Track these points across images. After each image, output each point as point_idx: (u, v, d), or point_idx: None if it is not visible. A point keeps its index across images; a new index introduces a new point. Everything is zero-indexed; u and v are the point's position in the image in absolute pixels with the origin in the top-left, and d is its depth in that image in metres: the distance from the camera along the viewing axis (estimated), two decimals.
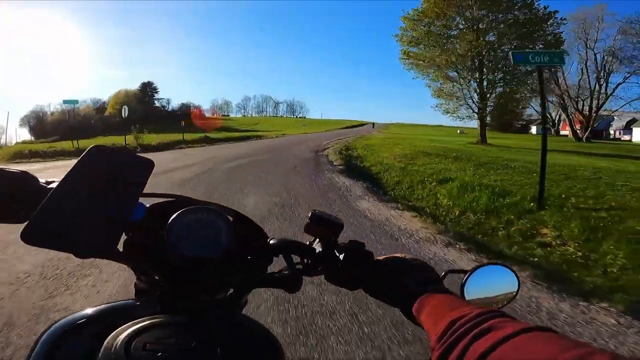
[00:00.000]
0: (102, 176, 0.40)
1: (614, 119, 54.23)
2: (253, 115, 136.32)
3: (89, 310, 0.47)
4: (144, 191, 0.47)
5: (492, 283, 0.53)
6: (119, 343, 0.38)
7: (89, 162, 0.41)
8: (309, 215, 0.53)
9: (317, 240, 0.56)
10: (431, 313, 0.43)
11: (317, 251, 0.55)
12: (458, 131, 48.65)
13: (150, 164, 0.45)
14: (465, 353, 0.33)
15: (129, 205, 0.39)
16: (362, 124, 71.25)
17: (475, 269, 0.52)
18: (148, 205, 0.50)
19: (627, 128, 54.51)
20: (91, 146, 0.43)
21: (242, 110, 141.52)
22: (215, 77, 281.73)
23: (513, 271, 0.54)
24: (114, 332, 0.40)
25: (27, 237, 0.34)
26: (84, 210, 0.37)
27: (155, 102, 77.54)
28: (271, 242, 0.56)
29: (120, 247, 0.47)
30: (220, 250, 0.47)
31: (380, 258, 0.55)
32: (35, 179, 0.46)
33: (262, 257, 0.56)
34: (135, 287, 0.55)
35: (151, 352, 0.38)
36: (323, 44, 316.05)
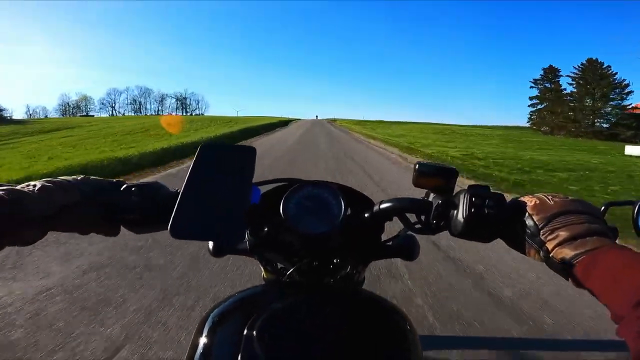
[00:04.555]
0: (218, 170, 0.43)
1: None
2: (126, 113, 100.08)
3: (233, 299, 0.50)
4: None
5: None
6: (257, 330, 0.41)
7: (203, 160, 0.44)
8: (415, 167, 0.49)
9: (431, 193, 0.50)
10: (610, 275, 0.33)
11: (434, 205, 0.47)
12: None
13: (253, 151, 0.46)
14: None
15: (246, 191, 0.42)
16: (286, 121, 49.21)
17: None
18: (262, 192, 0.52)
19: None
20: (201, 145, 0.45)
21: (109, 108, 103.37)
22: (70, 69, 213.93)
23: None
24: (250, 320, 0.42)
25: (174, 233, 0.37)
26: (212, 202, 0.40)
27: None
28: (381, 206, 0.52)
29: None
30: (336, 224, 0.49)
31: (519, 199, 0.43)
32: (166, 187, 0.50)
33: (373, 226, 0.55)
34: (264, 278, 0.57)
35: (290, 335, 0.41)
36: (228, 36, 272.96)
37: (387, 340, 0.44)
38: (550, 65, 47.34)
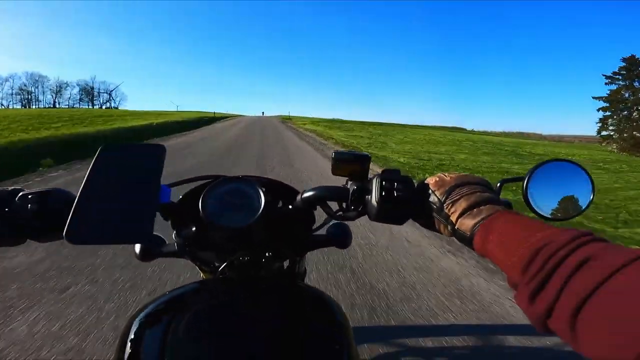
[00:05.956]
0: (120, 170, 0.42)
1: None
2: (11, 105, 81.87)
3: (162, 299, 0.50)
4: (178, 179, 0.53)
5: (560, 187, 0.44)
6: (184, 327, 0.42)
7: (104, 162, 0.43)
8: (332, 156, 0.52)
9: (349, 180, 0.52)
10: (502, 240, 0.33)
11: (352, 191, 0.50)
12: None
13: (161, 149, 0.45)
14: (564, 291, 0.25)
15: (154, 190, 0.41)
16: (205, 118, 42.17)
17: (534, 170, 0.43)
18: (182, 192, 0.53)
19: None
20: (101, 146, 0.44)
21: None
22: None
23: (581, 167, 0.44)
24: (176, 320, 0.44)
25: (70, 238, 0.36)
26: (115, 204, 0.39)
27: None
28: (303, 196, 0.53)
29: (174, 244, 0.55)
30: (255, 216, 0.49)
31: (426, 181, 0.46)
32: (68, 193, 0.48)
33: (301, 217, 0.55)
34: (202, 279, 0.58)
35: (214, 330, 0.42)
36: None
37: (317, 329, 0.46)
38: (633, 56, 30.23)
